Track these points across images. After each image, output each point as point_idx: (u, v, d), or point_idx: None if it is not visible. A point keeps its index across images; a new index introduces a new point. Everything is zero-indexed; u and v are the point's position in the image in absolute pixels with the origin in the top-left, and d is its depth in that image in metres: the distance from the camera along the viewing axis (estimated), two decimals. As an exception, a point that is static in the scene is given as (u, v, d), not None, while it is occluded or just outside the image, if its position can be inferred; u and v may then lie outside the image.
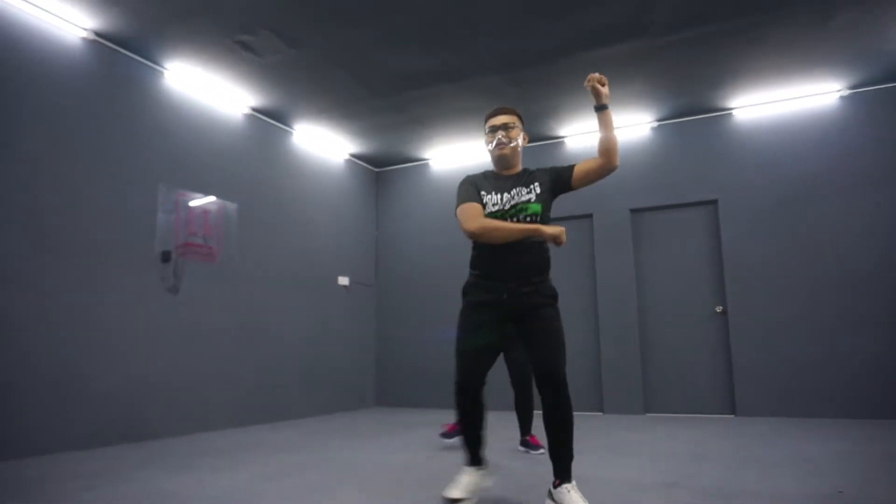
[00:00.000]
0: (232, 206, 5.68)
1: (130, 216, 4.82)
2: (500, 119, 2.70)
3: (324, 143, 7.10)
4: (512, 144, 2.67)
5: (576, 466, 2.48)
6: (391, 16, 4.57)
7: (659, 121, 6.59)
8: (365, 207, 7.85)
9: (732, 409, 5.94)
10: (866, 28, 4.81)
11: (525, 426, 4.04)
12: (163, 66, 5.18)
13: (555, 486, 2.44)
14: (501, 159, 2.70)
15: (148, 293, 4.89)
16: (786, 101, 6.07)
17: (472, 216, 2.55)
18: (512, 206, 2.58)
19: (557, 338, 2.48)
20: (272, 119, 6.39)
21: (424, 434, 4.93)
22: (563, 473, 2.43)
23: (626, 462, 3.61)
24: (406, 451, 4.15)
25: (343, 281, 7.19)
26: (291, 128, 6.65)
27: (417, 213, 7.78)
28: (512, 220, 2.55)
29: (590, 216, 6.82)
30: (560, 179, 2.64)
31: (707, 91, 5.92)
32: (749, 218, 6.08)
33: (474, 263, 2.68)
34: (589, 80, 2.51)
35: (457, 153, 7.53)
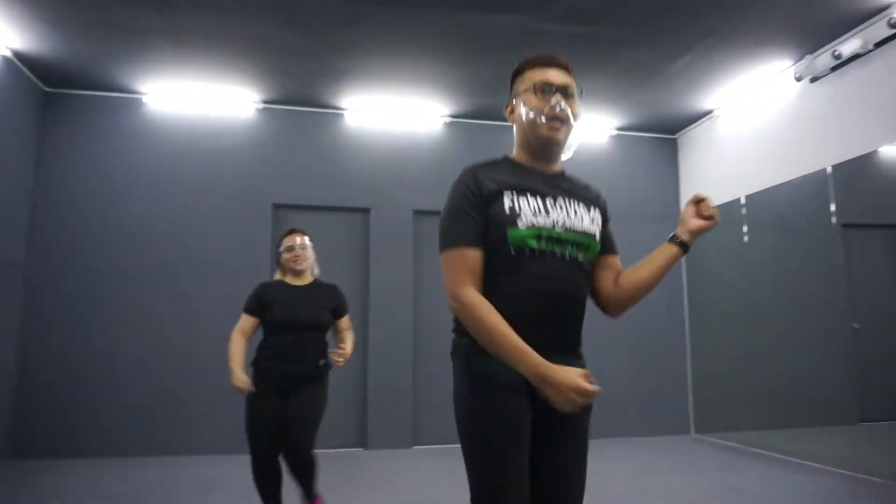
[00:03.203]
0: None
1: None
2: (560, 77, 1.54)
3: (-28, 20, 4.16)
4: (571, 125, 1.55)
5: None
6: None
7: (453, 117, 5.90)
8: (20, 142, 4.93)
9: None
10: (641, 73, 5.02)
11: (305, 489, 3.01)
12: None
13: None
14: (550, 146, 1.56)
15: None
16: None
17: (459, 276, 1.46)
18: (570, 231, 1.51)
19: (582, 476, 1.53)
20: None
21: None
22: None
23: None
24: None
25: (-21, 256, 4.31)
26: (-75, -30, 3.65)
27: (109, 169, 5.24)
28: (567, 253, 1.50)
29: (367, 210, 5.67)
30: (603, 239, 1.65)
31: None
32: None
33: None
34: (707, 215, 1.51)
35: (203, 94, 5.37)
